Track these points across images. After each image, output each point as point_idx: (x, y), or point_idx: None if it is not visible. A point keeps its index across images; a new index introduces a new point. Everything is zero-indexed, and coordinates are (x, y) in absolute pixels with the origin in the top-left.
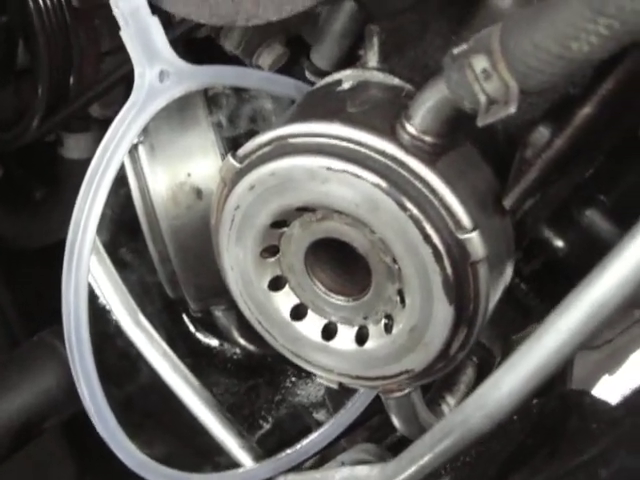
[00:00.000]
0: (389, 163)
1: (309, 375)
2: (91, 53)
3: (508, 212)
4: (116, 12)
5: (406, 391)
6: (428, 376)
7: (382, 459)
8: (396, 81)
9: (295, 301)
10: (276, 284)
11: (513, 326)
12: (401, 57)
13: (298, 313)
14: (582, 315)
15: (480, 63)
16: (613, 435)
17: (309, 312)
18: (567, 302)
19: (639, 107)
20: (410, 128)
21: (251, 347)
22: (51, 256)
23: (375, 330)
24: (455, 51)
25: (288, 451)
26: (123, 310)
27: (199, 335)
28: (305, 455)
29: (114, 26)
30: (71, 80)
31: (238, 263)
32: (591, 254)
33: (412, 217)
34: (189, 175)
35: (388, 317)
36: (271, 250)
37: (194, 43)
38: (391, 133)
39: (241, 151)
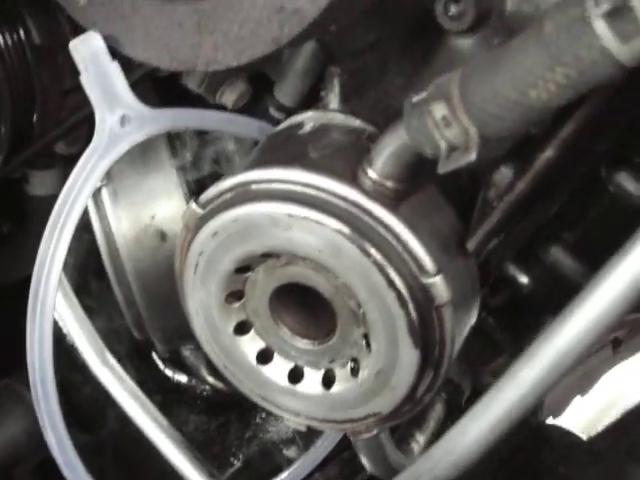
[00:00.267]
0: (351, 209)
1: None
2: (54, 91)
3: (472, 253)
4: (76, 57)
5: (374, 432)
6: (396, 418)
7: None
8: (357, 123)
9: (261, 345)
10: (241, 328)
11: (481, 360)
12: (362, 98)
13: (264, 357)
14: (547, 364)
15: (440, 110)
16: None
17: (275, 356)
18: (532, 350)
19: (600, 149)
20: (372, 173)
21: (220, 385)
22: (18, 292)
23: (341, 374)
24: (414, 99)
25: None
26: (90, 349)
27: (168, 372)
28: None
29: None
30: (34, 118)
31: (203, 308)
32: (555, 290)
33: (375, 263)
34: (153, 218)
35: (354, 361)
36: (236, 295)
37: (159, 81)
38: (353, 178)
39: (203, 197)
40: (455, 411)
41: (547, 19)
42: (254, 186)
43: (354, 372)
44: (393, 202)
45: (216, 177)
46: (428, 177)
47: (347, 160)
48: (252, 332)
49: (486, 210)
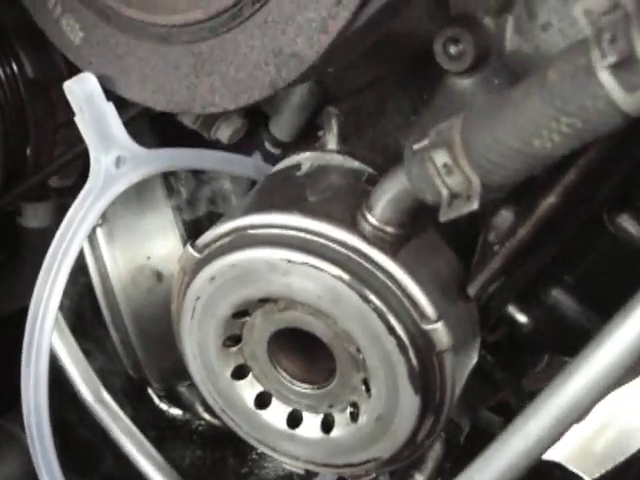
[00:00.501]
0: (351, 255)
1: None
2: (47, 125)
3: (473, 298)
4: (70, 98)
5: (373, 476)
6: (395, 463)
7: None
8: (356, 164)
9: (259, 389)
10: (239, 373)
11: (480, 398)
12: (360, 138)
13: (262, 401)
14: (554, 416)
15: (441, 157)
16: None
17: (273, 400)
18: (538, 402)
19: (602, 194)
20: (371, 219)
21: (216, 421)
22: (13, 324)
23: (341, 418)
24: (415, 146)
25: None
26: (85, 386)
27: (163, 406)
28: None
29: None
30: (28, 152)
31: (200, 352)
32: (555, 330)
33: (375, 309)
34: (149, 258)
35: (354, 405)
36: (233, 339)
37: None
38: (352, 224)
39: (200, 241)
40: (454, 449)
41: (551, 68)
42: (252, 231)
43: (354, 417)
44: (393, 247)
45: (212, 217)
46: (427, 220)
47: (346, 204)
48: (250, 376)
49: (487, 254)
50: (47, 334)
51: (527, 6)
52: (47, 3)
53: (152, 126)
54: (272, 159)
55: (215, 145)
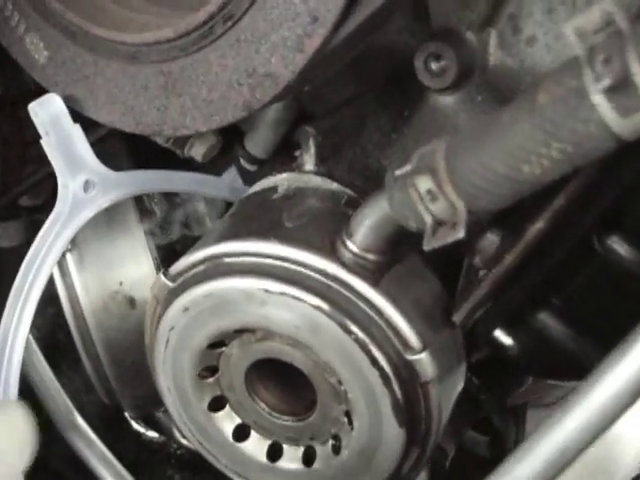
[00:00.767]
0: (330, 283)
1: None
2: (15, 143)
3: (458, 325)
4: (35, 121)
5: None
6: None
7: None
8: (335, 186)
9: (237, 421)
10: (216, 404)
11: (465, 421)
12: (339, 158)
13: (241, 434)
14: (544, 460)
15: (425, 184)
16: None
17: (252, 432)
18: (528, 445)
19: (592, 217)
20: (351, 245)
21: (193, 447)
22: None
23: (323, 451)
24: (397, 172)
25: None
26: (58, 411)
27: (140, 429)
28: None
29: None
30: None
31: (175, 384)
32: (542, 354)
33: (357, 340)
34: (121, 284)
35: (336, 438)
36: (209, 370)
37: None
38: (331, 251)
39: (173, 268)
40: (439, 475)
41: (541, 90)
42: (227, 259)
43: (336, 450)
44: (374, 275)
45: (186, 241)
46: (409, 245)
47: (325, 230)
48: (227, 408)
49: (472, 279)
50: (15, 366)
51: (511, 20)
52: (10, 20)
53: (126, 145)
54: (247, 175)
55: (190, 163)
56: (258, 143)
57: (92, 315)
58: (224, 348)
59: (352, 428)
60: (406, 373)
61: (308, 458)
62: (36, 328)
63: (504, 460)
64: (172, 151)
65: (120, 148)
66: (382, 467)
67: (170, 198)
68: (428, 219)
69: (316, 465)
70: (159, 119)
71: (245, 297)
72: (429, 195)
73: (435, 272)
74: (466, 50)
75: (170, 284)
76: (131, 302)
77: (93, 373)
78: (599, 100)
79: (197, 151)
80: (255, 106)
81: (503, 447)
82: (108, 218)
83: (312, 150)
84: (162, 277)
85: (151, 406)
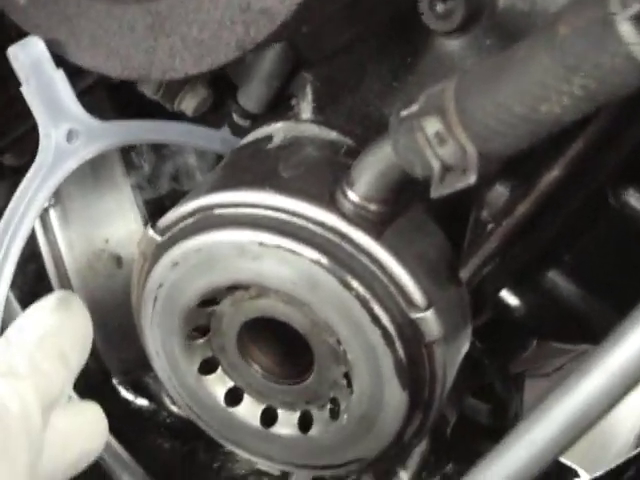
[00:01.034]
0: (330, 236)
1: None
2: None
3: (465, 282)
4: (15, 66)
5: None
6: (380, 464)
7: None
8: (333, 135)
9: (229, 385)
10: (207, 367)
11: (466, 386)
12: (338, 106)
13: (233, 398)
14: (561, 423)
15: (432, 125)
16: None
17: (245, 396)
18: (544, 407)
19: (611, 164)
20: (352, 195)
21: (184, 414)
22: None
23: (320, 416)
24: (403, 113)
25: None
26: None
27: (130, 397)
28: None
29: None
30: None
31: (164, 346)
32: (550, 315)
33: (358, 297)
34: (107, 241)
35: (334, 402)
36: (200, 330)
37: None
38: (331, 201)
39: (162, 222)
40: (440, 443)
41: (561, 21)
42: (218, 210)
43: (334, 415)
44: (377, 228)
45: (176, 195)
46: (413, 194)
47: (324, 180)
48: (219, 371)
49: (479, 233)
50: None
51: None
52: None
53: (113, 99)
54: (242, 133)
55: (180, 118)
56: (251, 97)
57: (76, 274)
58: (215, 306)
59: (351, 391)
60: (410, 332)
61: (305, 423)
62: (17, 286)
63: (520, 422)
64: (161, 106)
65: (106, 101)
66: (383, 433)
67: (159, 150)
68: (436, 164)
69: (313, 431)
70: (146, 62)
71: (238, 251)
72: (437, 138)
73: (440, 226)
74: None
75: (158, 238)
76: (118, 261)
77: None
78: (627, 29)
79: (187, 105)
80: (249, 46)
81: (505, 415)
82: (93, 171)
83: (309, 97)
84: (150, 231)
85: (140, 370)
